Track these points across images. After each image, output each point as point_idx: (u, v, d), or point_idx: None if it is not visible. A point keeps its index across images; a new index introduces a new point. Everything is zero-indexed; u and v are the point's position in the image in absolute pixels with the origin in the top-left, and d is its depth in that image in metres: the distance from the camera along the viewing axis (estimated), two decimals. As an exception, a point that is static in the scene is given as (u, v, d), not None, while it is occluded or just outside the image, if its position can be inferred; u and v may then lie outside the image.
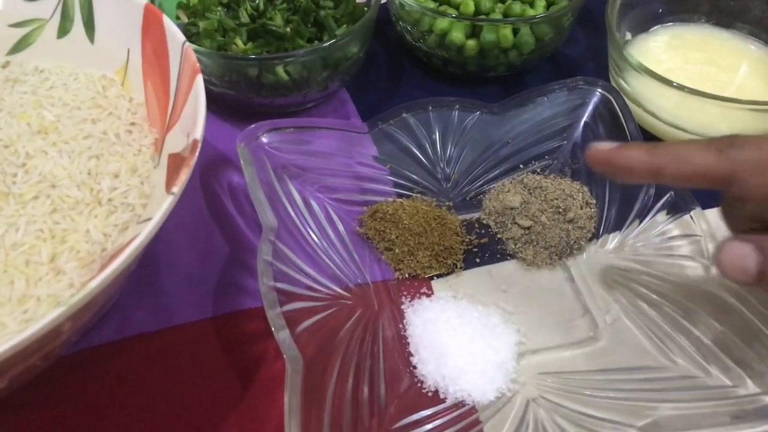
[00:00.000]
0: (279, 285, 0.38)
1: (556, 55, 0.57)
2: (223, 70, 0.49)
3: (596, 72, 0.54)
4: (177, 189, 0.32)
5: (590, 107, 0.49)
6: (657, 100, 0.48)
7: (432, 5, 0.54)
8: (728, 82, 0.51)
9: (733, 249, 0.33)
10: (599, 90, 0.49)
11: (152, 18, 0.41)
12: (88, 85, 0.42)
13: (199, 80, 0.36)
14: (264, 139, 0.45)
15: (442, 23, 0.52)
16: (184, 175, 0.32)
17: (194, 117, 0.35)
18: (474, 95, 0.55)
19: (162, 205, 0.31)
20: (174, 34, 0.40)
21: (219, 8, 0.53)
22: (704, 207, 0.46)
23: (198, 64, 0.38)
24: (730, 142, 0.32)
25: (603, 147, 0.35)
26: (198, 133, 0.34)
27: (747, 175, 0.31)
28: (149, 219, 0.31)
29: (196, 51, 0.47)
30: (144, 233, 0.30)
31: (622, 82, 0.50)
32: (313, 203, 0.45)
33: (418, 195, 0.47)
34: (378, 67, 0.57)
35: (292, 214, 0.44)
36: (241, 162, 0.44)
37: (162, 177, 0.37)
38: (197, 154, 0.33)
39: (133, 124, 0.41)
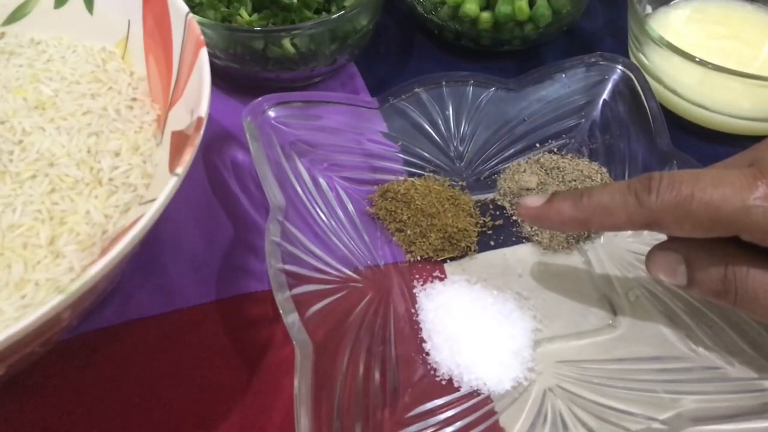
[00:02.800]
0: (288, 267, 0.37)
1: (573, 29, 0.55)
2: (227, 42, 0.47)
3: (615, 47, 0.52)
4: (181, 170, 0.30)
5: (610, 85, 0.47)
6: (679, 76, 0.46)
7: (445, -25, 0.52)
8: (752, 58, 0.49)
9: (661, 258, 0.34)
10: (619, 67, 0.47)
11: (153, -14, 0.39)
12: (87, 59, 0.40)
13: (204, 54, 0.35)
14: (271, 114, 0.44)
15: (456, -7, 0.50)
16: (188, 156, 0.30)
17: (198, 93, 0.33)
18: (488, 70, 0.52)
19: (165, 187, 0.30)
20: (176, 4, 0.38)
21: (222, -22, 0.51)
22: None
23: (202, 37, 0.36)
24: (648, 185, 0.32)
25: (532, 203, 0.37)
26: (203, 111, 0.32)
27: (666, 221, 0.32)
28: (152, 200, 0.30)
29: (199, 23, 0.46)
30: (147, 216, 0.29)
31: (643, 57, 0.48)
32: (322, 182, 0.44)
33: (431, 174, 0.45)
34: (388, 40, 0.55)
35: (301, 193, 0.42)
36: (247, 137, 0.42)
37: (165, 156, 0.35)
38: (202, 132, 0.31)
39: (134, 99, 0.39)
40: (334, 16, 0.47)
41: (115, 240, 0.30)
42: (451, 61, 0.54)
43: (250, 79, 0.50)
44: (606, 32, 0.54)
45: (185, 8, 0.37)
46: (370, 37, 0.52)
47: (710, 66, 0.43)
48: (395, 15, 0.56)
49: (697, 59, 0.43)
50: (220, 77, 0.50)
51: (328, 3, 0.51)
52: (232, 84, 0.51)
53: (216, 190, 0.45)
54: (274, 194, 0.40)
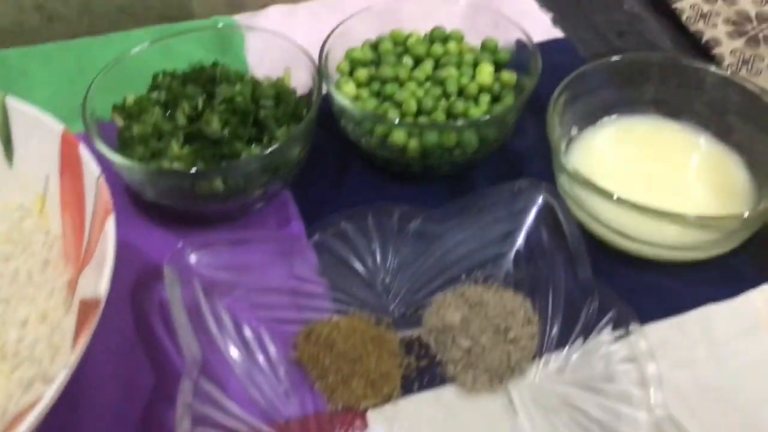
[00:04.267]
0: (200, 430, 0.37)
1: (505, 148, 0.56)
2: (154, 181, 0.47)
3: (545, 168, 0.52)
4: (77, 353, 0.30)
5: (533, 212, 0.48)
6: (599, 206, 0.46)
7: (374, 103, 0.53)
8: (678, 183, 0.50)
9: None
10: (542, 195, 0.47)
11: (69, 146, 0.40)
12: (3, 216, 0.40)
13: (110, 224, 0.35)
14: (193, 259, 0.44)
15: (383, 126, 0.51)
16: (83, 341, 0.30)
17: (100, 267, 0.33)
18: (421, 192, 0.54)
19: (65, 368, 0.30)
20: (89, 165, 0.38)
21: (156, 108, 0.52)
22: (646, 320, 0.45)
23: (111, 203, 0.36)
24: None
25: None
26: (101, 289, 0.32)
27: None
28: (54, 379, 0.29)
29: (122, 165, 0.46)
30: (45, 400, 0.29)
31: (565, 183, 0.49)
32: (245, 326, 0.44)
33: (357, 311, 0.45)
34: (323, 162, 0.56)
35: (220, 341, 0.42)
36: (166, 288, 0.42)
37: (72, 326, 0.35)
38: (97, 317, 0.31)
39: (47, 261, 0.39)
40: (267, 151, 0.47)
41: (15, 420, 0.30)
42: (384, 184, 0.54)
43: (181, 212, 0.50)
44: (537, 152, 0.55)
45: (97, 171, 0.38)
46: (302, 165, 0.52)
47: (628, 204, 0.43)
48: (330, 135, 0.57)
49: (615, 197, 0.44)
50: (152, 207, 0.50)
51: (261, 131, 0.51)
52: (163, 215, 0.51)
53: (141, 332, 0.45)
54: (191, 348, 0.40)
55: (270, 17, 0.68)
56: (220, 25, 0.66)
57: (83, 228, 0.38)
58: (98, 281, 0.32)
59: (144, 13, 0.70)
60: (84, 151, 0.38)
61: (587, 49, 0.65)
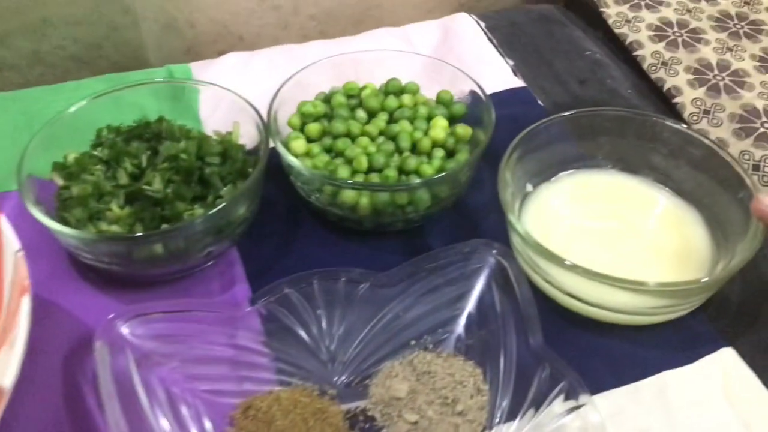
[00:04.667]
0: None
1: (460, 203, 0.54)
2: (89, 247, 0.45)
3: (502, 222, 0.51)
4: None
5: (485, 275, 0.46)
6: (552, 269, 0.45)
7: (325, 159, 0.51)
8: (636, 242, 0.49)
9: None
10: (494, 256, 0.46)
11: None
12: None
13: (25, 305, 0.33)
14: (125, 330, 0.42)
15: (331, 185, 0.49)
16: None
17: (10, 351, 0.31)
18: (373, 249, 0.52)
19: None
20: (9, 237, 0.36)
21: (99, 167, 0.50)
22: (600, 388, 0.43)
23: (27, 282, 0.34)
24: None
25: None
26: (7, 379, 0.30)
27: None
28: None
29: (57, 230, 0.44)
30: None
31: (518, 243, 0.47)
32: (180, 399, 0.41)
33: (300, 383, 0.43)
34: (273, 218, 0.54)
35: (151, 416, 0.40)
36: (96, 360, 0.40)
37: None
38: (1, 408, 0.29)
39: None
40: (211, 212, 0.45)
41: None
42: (336, 241, 0.52)
43: (119, 275, 0.48)
44: (494, 206, 0.53)
45: (15, 245, 0.36)
46: (249, 224, 0.51)
47: (580, 270, 0.42)
48: (284, 189, 0.55)
49: (566, 262, 0.42)
50: (90, 270, 0.48)
51: (206, 189, 0.50)
52: (101, 277, 0.49)
53: (70, 406, 0.42)
54: (118, 426, 0.37)
55: (226, 65, 0.66)
56: (174, 74, 0.65)
57: (1, 305, 0.36)
58: (5, 370, 0.30)
59: (97, 61, 0.68)
60: (4, 222, 0.36)
61: (547, 98, 0.64)
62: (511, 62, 0.68)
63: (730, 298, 0.48)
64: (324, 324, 0.45)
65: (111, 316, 0.42)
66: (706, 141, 0.50)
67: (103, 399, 0.39)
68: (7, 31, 0.64)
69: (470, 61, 0.66)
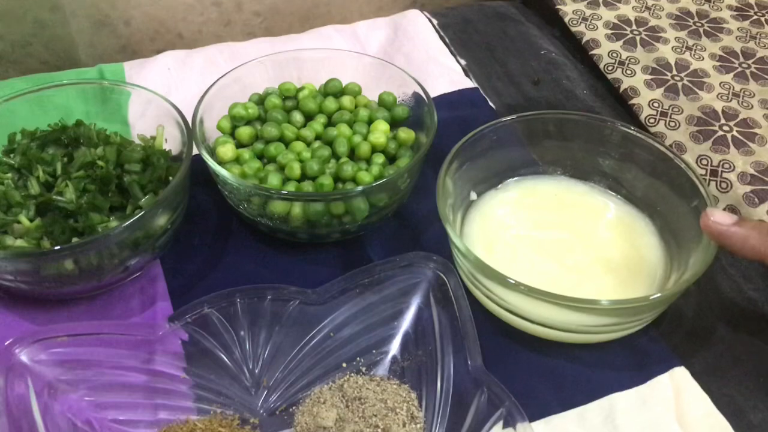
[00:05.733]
0: None
1: (401, 211, 0.51)
2: (-9, 262, 0.42)
3: (444, 233, 0.48)
4: None
5: (422, 290, 0.43)
6: (494, 286, 0.42)
7: (255, 166, 0.48)
8: (585, 253, 0.46)
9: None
10: (432, 270, 0.43)
11: None
12: None
13: None
14: (24, 357, 0.38)
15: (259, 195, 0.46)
16: None
17: None
18: (308, 261, 0.49)
19: None
20: None
21: (9, 175, 0.46)
22: (545, 412, 0.40)
23: None
24: None
25: (721, 219, 0.39)
26: None
27: None
28: None
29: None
30: None
31: (458, 259, 0.44)
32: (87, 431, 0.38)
33: (219, 410, 0.40)
34: (200, 229, 0.50)
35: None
36: (-9, 391, 0.36)
37: None
38: None
39: None
40: (125, 224, 0.42)
41: None
42: (268, 254, 0.49)
43: (27, 293, 0.45)
44: (437, 215, 0.50)
45: None
46: (171, 236, 0.47)
47: (523, 289, 0.39)
48: (213, 198, 0.52)
49: (510, 281, 0.39)
50: (-1, 288, 0.45)
51: (126, 198, 0.46)
52: (7, 295, 0.45)
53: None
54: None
55: (161, 65, 0.62)
56: (105, 74, 0.61)
57: None
58: None
59: (25, 60, 0.64)
60: None
61: (500, 99, 0.61)
62: (462, 62, 0.65)
63: (683, 313, 0.45)
64: (248, 346, 0.42)
65: (9, 341, 0.38)
66: (659, 146, 0.47)
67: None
68: None
69: (420, 61, 0.63)
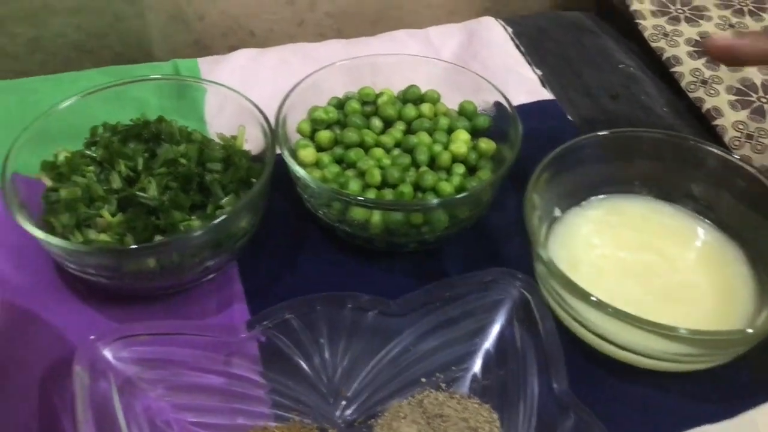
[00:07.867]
0: None
1: (481, 223, 0.50)
2: (74, 257, 0.42)
3: (526, 246, 0.47)
4: None
5: (506, 308, 0.42)
6: (579, 306, 0.41)
7: (336, 170, 0.47)
8: (671, 279, 0.44)
9: None
10: (516, 288, 0.42)
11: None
12: None
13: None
14: (107, 352, 0.38)
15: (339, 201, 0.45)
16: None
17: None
18: (384, 271, 0.48)
19: None
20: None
21: (91, 168, 0.46)
22: None
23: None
24: None
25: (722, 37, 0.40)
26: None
27: None
28: None
29: (39, 238, 0.40)
30: None
31: (543, 275, 0.43)
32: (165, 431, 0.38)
33: (298, 418, 0.39)
34: (276, 232, 0.50)
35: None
36: (74, 385, 0.36)
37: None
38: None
39: None
40: (209, 225, 0.41)
41: None
42: (344, 261, 0.48)
43: (107, 287, 0.44)
44: (517, 228, 0.49)
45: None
46: (250, 238, 0.47)
47: (609, 310, 0.38)
48: (290, 201, 0.51)
49: (593, 298, 0.38)
50: (76, 280, 0.45)
51: (207, 197, 0.46)
52: (89, 289, 0.45)
53: (43, 428, 0.39)
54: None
55: (235, 62, 0.62)
56: (180, 70, 0.61)
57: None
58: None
59: (100, 51, 0.64)
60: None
61: (577, 112, 0.60)
62: (539, 72, 0.63)
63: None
64: (327, 354, 0.41)
65: (93, 337, 0.38)
66: (752, 170, 0.46)
67: (78, 425, 0.35)
68: (5, 16, 0.60)
69: (495, 69, 0.62)
